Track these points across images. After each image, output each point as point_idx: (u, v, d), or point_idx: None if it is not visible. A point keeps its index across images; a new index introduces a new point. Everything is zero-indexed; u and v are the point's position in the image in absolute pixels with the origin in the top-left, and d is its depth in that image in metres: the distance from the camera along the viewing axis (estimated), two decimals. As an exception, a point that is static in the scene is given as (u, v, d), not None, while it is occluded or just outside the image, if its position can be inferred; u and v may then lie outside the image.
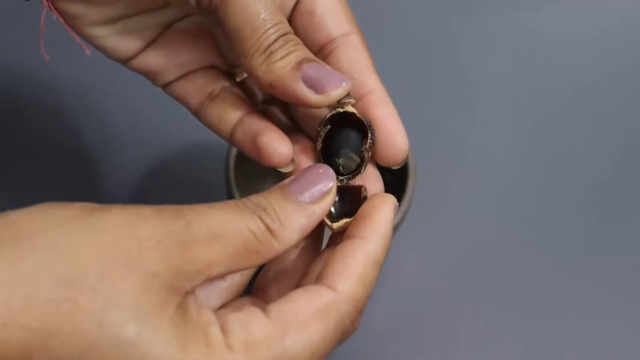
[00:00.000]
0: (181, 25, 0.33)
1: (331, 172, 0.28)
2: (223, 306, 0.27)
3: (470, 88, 0.59)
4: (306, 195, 0.27)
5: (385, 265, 0.52)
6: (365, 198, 0.29)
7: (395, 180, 0.44)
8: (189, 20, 0.33)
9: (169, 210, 0.24)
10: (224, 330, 0.24)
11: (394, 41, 0.61)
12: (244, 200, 0.26)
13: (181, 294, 0.24)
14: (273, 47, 0.28)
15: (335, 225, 0.29)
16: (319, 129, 0.30)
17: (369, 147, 0.29)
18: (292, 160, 0.30)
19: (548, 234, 0.53)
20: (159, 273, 0.23)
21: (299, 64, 0.28)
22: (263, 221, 0.26)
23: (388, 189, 0.46)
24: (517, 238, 0.53)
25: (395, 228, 0.41)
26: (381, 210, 0.28)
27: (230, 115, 0.31)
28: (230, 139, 0.31)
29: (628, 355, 0.49)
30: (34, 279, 0.22)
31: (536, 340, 0.49)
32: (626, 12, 0.63)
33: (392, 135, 0.30)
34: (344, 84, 0.28)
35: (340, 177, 0.29)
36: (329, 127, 0.30)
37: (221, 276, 0.25)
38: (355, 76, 0.30)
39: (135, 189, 0.53)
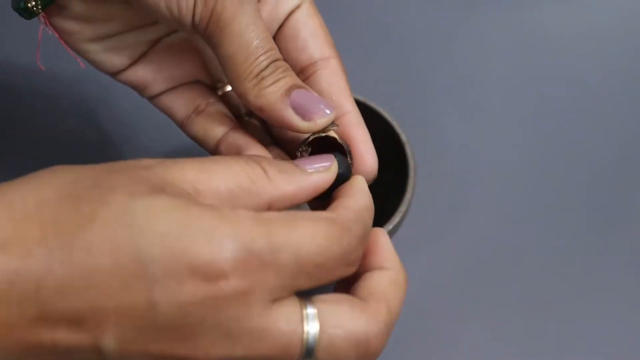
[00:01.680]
0: (169, 41, 0.35)
1: (330, 156, 0.30)
2: None
3: (470, 88, 0.59)
4: (306, 165, 0.29)
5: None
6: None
7: (395, 180, 0.44)
8: (177, 36, 0.35)
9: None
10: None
11: (394, 41, 0.61)
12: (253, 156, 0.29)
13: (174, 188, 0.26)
14: (264, 73, 0.30)
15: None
16: (300, 149, 0.32)
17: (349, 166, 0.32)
18: None
19: (548, 233, 0.53)
20: (147, 177, 0.25)
21: (288, 91, 0.30)
22: (260, 165, 0.27)
23: (388, 189, 0.46)
24: (517, 238, 0.53)
25: (396, 228, 0.41)
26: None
27: (216, 129, 0.33)
28: (214, 152, 0.33)
29: (628, 355, 0.49)
30: (40, 190, 0.25)
31: (536, 340, 0.49)
32: (627, 11, 0.63)
33: (364, 156, 0.32)
34: (329, 113, 0.30)
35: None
36: (310, 149, 0.32)
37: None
38: (333, 98, 0.33)
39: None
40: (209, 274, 0.24)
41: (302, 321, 0.25)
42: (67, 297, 0.23)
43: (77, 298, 0.23)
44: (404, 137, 0.44)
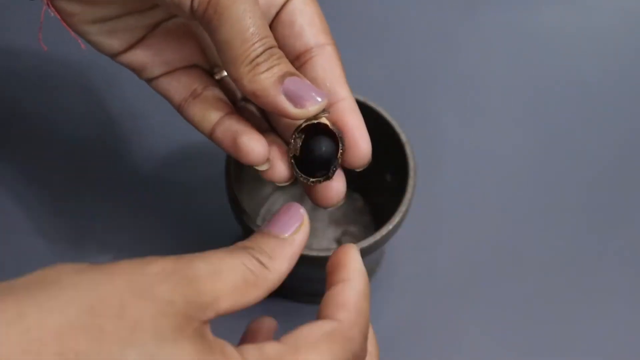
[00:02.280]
0: (168, 25, 0.36)
1: (298, 206, 0.30)
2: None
3: (470, 88, 0.59)
4: (284, 230, 0.29)
5: (386, 265, 0.52)
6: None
7: (395, 180, 0.44)
8: (176, 21, 0.36)
9: (170, 256, 0.26)
10: (239, 351, 0.26)
11: (394, 41, 0.61)
12: (230, 246, 0.28)
13: (196, 322, 0.25)
14: (259, 60, 0.31)
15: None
16: (293, 136, 0.33)
17: (340, 155, 0.33)
18: (268, 160, 0.33)
19: (548, 233, 0.53)
20: (173, 301, 0.25)
21: (281, 77, 0.31)
22: (254, 257, 0.28)
23: (388, 188, 0.46)
24: (517, 238, 0.53)
25: (396, 228, 0.41)
26: (351, 254, 0.30)
27: (212, 114, 0.34)
28: (210, 136, 0.34)
29: (628, 356, 0.49)
30: (62, 313, 0.23)
31: (536, 340, 0.49)
32: (627, 11, 0.63)
33: (358, 142, 0.33)
34: (320, 100, 0.31)
35: (312, 179, 0.33)
36: (303, 136, 0.33)
37: (228, 312, 0.27)
38: (327, 84, 0.33)
39: (136, 188, 0.53)
40: None
41: None
42: None
43: None
44: (404, 137, 0.44)
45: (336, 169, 0.33)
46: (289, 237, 0.29)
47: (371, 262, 0.49)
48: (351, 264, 0.30)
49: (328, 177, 0.33)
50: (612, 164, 0.56)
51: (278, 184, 0.34)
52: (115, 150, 0.55)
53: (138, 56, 0.35)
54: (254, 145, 0.33)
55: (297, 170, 0.33)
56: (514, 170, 0.55)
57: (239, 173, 0.44)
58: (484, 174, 0.55)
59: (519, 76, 0.59)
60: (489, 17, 0.62)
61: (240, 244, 0.29)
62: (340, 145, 0.32)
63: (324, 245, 0.51)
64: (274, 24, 0.34)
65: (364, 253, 0.41)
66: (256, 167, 0.33)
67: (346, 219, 0.52)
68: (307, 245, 0.30)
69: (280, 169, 0.34)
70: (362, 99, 0.45)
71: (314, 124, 0.32)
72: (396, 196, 0.42)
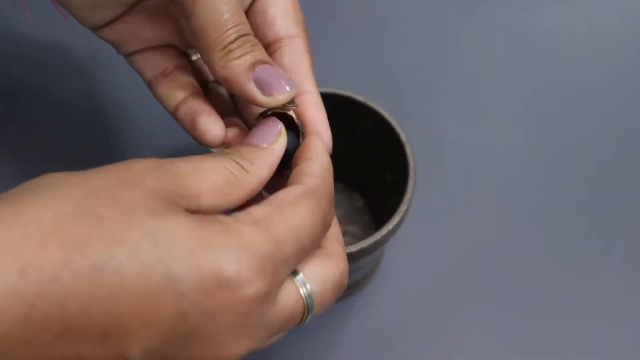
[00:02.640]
0: (148, 4, 0.36)
1: (276, 121, 0.32)
2: None
3: (471, 88, 0.59)
4: (264, 141, 0.31)
5: (386, 265, 0.52)
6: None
7: (395, 180, 0.44)
8: (155, 0, 0.36)
9: (153, 157, 0.28)
10: (231, 217, 0.28)
11: (394, 41, 0.61)
12: (214, 151, 0.30)
13: (182, 207, 0.27)
14: (232, 46, 0.31)
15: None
16: (256, 122, 0.33)
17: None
18: (223, 143, 0.34)
19: (548, 233, 0.53)
20: (158, 189, 0.26)
21: (252, 65, 0.31)
22: (235, 160, 0.29)
23: (388, 189, 0.46)
24: (517, 238, 0.53)
25: (396, 228, 0.41)
26: (314, 141, 0.32)
27: (177, 93, 0.35)
28: (174, 114, 0.35)
29: (628, 355, 0.49)
30: (57, 207, 0.24)
31: (536, 340, 0.49)
32: (627, 11, 0.63)
33: (320, 134, 0.34)
34: (289, 90, 0.31)
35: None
36: None
37: (210, 211, 0.28)
38: (293, 76, 0.34)
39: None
40: (233, 284, 0.26)
41: (298, 290, 0.29)
42: (93, 315, 0.24)
43: (104, 316, 0.24)
44: (404, 137, 0.44)
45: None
46: (268, 146, 0.31)
47: (371, 262, 0.49)
48: (315, 148, 0.32)
49: (284, 168, 0.33)
50: (612, 164, 0.56)
51: None
52: (113, 149, 0.54)
53: (117, 31, 0.36)
54: (211, 127, 0.33)
55: None
56: (514, 170, 0.55)
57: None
58: (484, 174, 0.55)
59: (519, 76, 0.59)
60: (489, 17, 0.62)
61: (222, 151, 0.30)
62: (300, 139, 0.33)
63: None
64: (248, 12, 0.35)
65: (364, 253, 0.41)
66: (211, 149, 0.34)
67: (346, 218, 0.52)
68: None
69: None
70: (362, 99, 0.45)
71: (280, 113, 0.32)
72: (396, 196, 0.42)
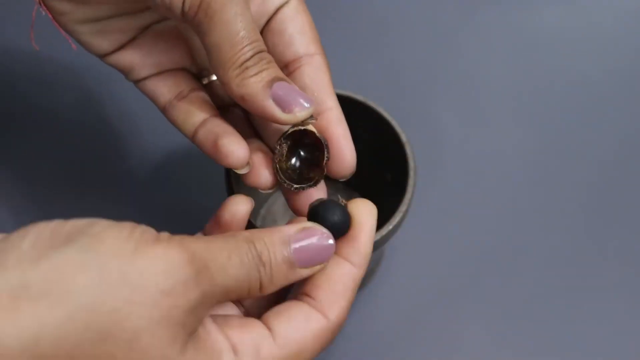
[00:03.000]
0: (158, 28, 0.36)
1: (333, 244, 0.29)
2: (233, 321, 0.29)
3: (470, 88, 0.59)
4: (303, 264, 0.29)
5: (386, 265, 0.52)
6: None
7: (395, 180, 0.44)
8: (166, 24, 0.36)
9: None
10: (235, 351, 0.27)
11: (394, 41, 0.61)
12: (250, 246, 0.28)
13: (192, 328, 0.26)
14: (248, 64, 0.30)
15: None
16: (279, 142, 0.33)
17: (325, 163, 0.32)
18: (248, 163, 0.33)
19: (548, 233, 0.53)
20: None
21: (270, 82, 0.31)
22: (259, 274, 0.28)
23: (388, 189, 0.46)
24: (517, 238, 0.53)
25: (396, 228, 0.41)
26: (367, 230, 0.30)
27: (195, 116, 0.34)
28: (193, 138, 0.34)
29: (628, 355, 0.49)
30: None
31: (536, 340, 0.49)
32: (627, 11, 0.63)
33: (343, 152, 0.33)
34: (308, 106, 0.31)
35: (296, 186, 0.33)
36: (289, 142, 0.33)
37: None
38: (315, 94, 0.33)
39: (135, 188, 0.53)
40: None
41: None
42: None
43: None
44: (404, 137, 0.44)
45: (321, 178, 0.33)
46: (300, 270, 0.29)
47: (371, 262, 0.49)
48: (363, 244, 0.30)
49: (312, 185, 0.33)
50: (612, 164, 0.56)
51: (262, 191, 0.34)
52: (114, 151, 0.54)
53: (127, 57, 0.35)
54: (234, 148, 0.32)
55: (282, 176, 0.33)
56: (514, 170, 0.55)
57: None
58: (484, 174, 0.55)
59: (519, 76, 0.59)
60: (489, 17, 0.62)
61: (259, 245, 0.28)
62: (325, 153, 0.32)
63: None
64: (264, 31, 0.34)
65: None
66: (236, 171, 0.33)
67: (346, 219, 0.52)
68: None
69: (264, 175, 0.33)
70: (362, 99, 0.45)
71: (300, 130, 0.32)
72: (396, 196, 0.42)
